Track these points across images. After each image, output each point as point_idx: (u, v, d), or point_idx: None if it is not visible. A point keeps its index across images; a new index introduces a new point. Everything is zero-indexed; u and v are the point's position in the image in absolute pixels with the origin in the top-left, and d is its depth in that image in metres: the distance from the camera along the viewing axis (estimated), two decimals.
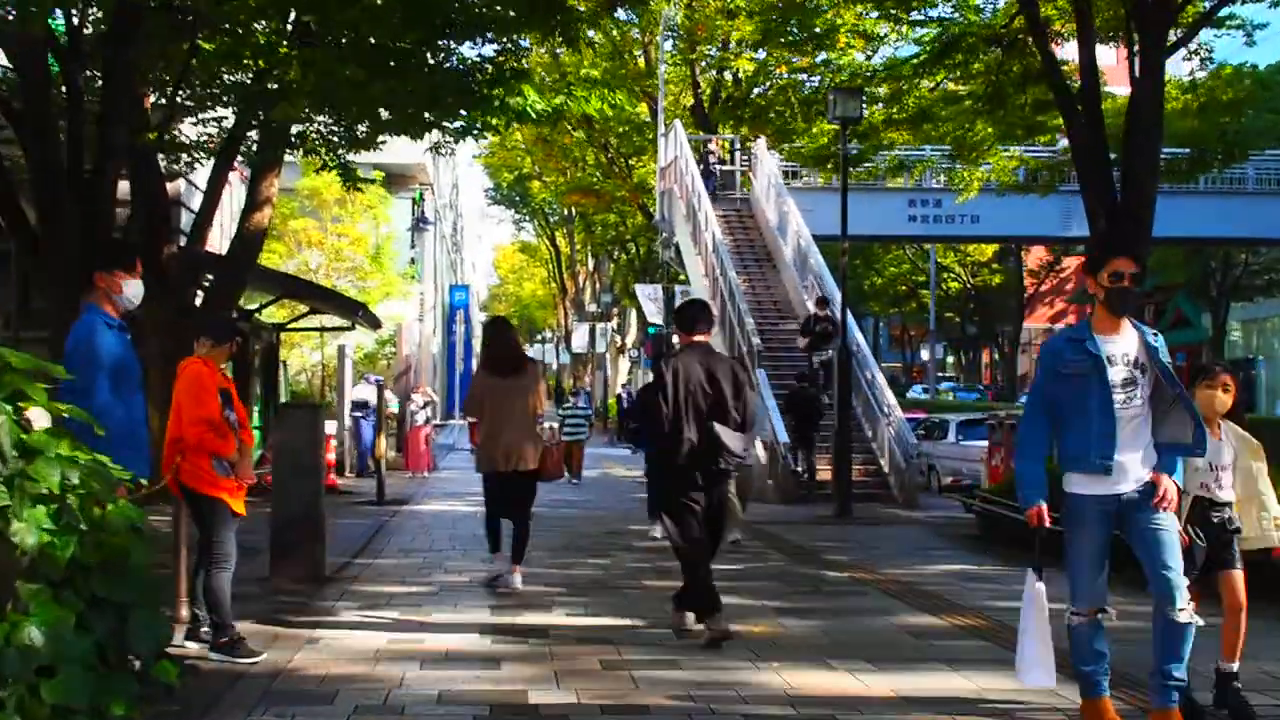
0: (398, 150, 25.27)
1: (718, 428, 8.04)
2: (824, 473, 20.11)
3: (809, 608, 9.46)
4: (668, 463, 8.26)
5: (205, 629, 7.43)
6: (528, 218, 70.19)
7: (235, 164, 17.76)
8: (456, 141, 15.79)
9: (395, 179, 36.24)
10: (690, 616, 8.29)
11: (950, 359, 78.50)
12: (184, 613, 7.84)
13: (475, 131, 14.82)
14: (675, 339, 8.97)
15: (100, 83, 13.76)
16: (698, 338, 8.49)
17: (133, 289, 6.40)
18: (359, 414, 24.89)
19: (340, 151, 17.01)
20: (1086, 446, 5.70)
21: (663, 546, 13.20)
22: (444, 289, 57.83)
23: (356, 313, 23.55)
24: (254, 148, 16.87)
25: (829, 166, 24.99)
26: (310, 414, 10.85)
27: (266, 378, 23.41)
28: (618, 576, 11.15)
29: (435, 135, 16.39)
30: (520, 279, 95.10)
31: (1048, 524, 5.75)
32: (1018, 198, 29.37)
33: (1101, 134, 14.90)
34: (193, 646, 7.47)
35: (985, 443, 21.41)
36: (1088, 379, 5.72)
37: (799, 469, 20.09)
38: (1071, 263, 63.07)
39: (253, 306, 22.19)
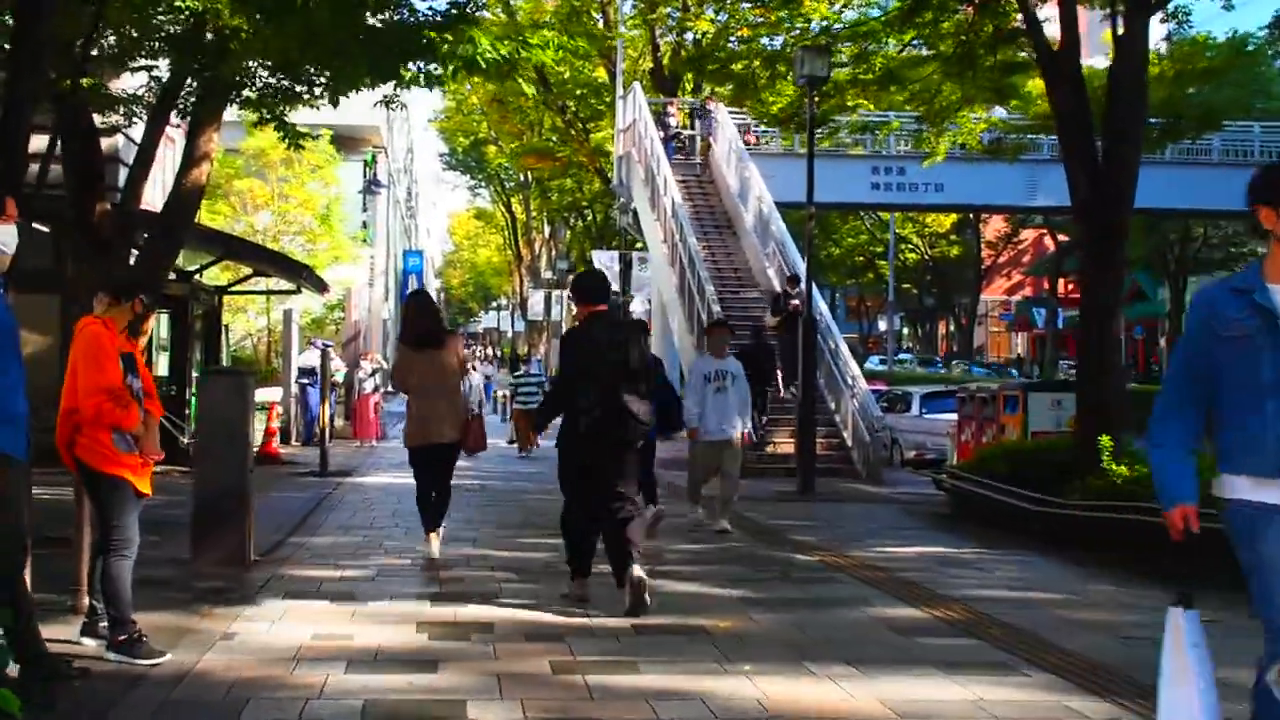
0: (349, 111, 24.29)
1: (624, 396, 8.04)
2: (784, 446, 19.45)
3: (778, 598, 8.66)
4: (574, 433, 8.19)
5: (104, 623, 6.57)
6: (483, 184, 69.43)
7: (174, 118, 16.82)
8: (408, 86, 14.87)
9: (347, 141, 35.20)
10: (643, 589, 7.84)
11: (906, 330, 78.16)
12: (83, 603, 6.99)
13: (430, 74, 13.84)
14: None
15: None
16: (598, 308, 8.47)
17: (2, 235, 5.53)
18: (305, 381, 24.03)
19: (280, 108, 16.05)
20: (1259, 438, 4.09)
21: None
22: (397, 255, 56.76)
23: (301, 275, 22.61)
24: (191, 100, 15.92)
25: (791, 127, 24.10)
26: (237, 380, 9.97)
27: (208, 343, 22.46)
28: None
29: (385, 89, 15.48)
30: (475, 246, 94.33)
31: (1195, 529, 4.22)
32: (982, 166, 28.69)
33: (1084, 96, 14.12)
34: (89, 643, 6.60)
35: (949, 416, 20.84)
36: (1255, 344, 4.11)
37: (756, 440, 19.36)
38: (1029, 235, 62.79)
39: (193, 268, 21.20)
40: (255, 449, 18.97)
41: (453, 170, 69.76)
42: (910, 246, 61.02)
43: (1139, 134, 13.95)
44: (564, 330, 8.88)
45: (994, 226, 60.25)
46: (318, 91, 15.16)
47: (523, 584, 8.98)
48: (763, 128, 31.74)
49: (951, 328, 71.18)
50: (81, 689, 5.80)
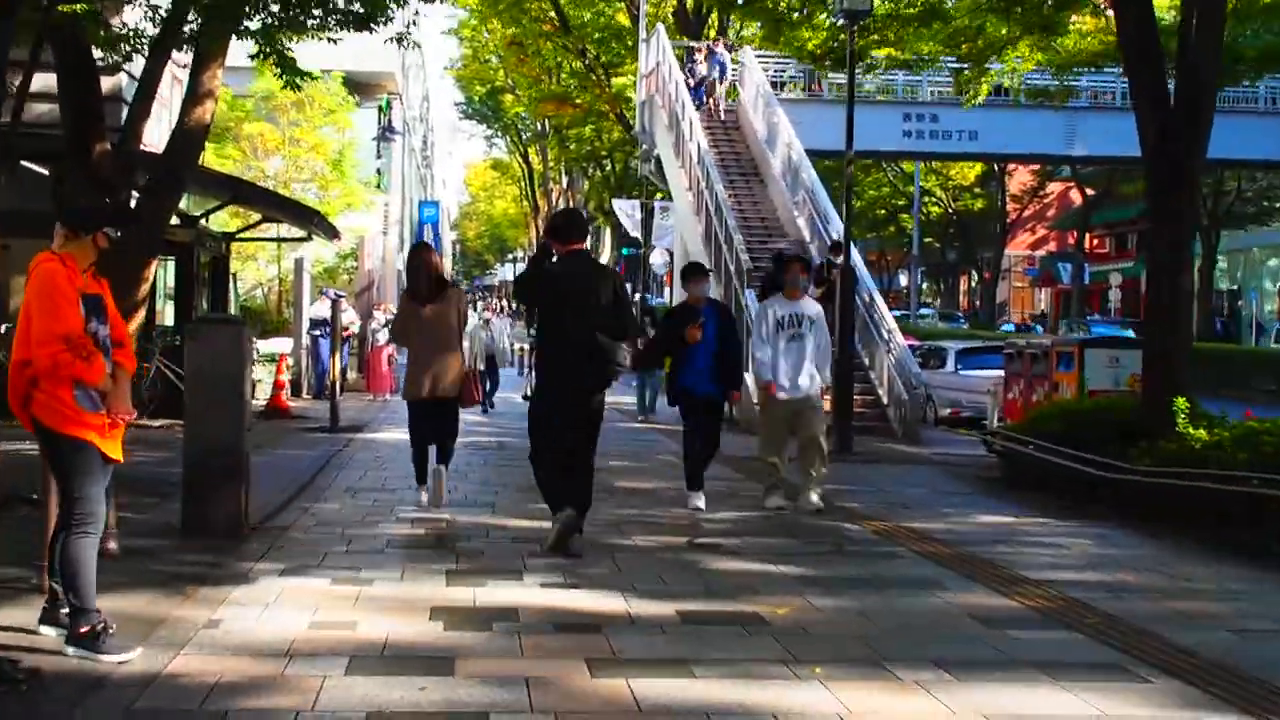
0: (363, 55, 23.29)
1: (600, 336, 8.07)
2: None
3: (837, 577, 7.67)
4: (548, 370, 8.30)
5: (65, 610, 5.62)
6: (500, 133, 68.41)
7: (178, 56, 15.85)
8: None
9: (361, 87, 34.13)
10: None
11: (926, 285, 76.94)
12: (45, 583, 6.01)
13: None
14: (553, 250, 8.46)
15: None
16: (575, 246, 8.37)
17: None
18: (317, 332, 23.15)
19: (283, 40, 15.00)
20: None
21: (647, 489, 11.55)
22: (412, 204, 55.70)
23: (312, 221, 21.64)
24: (194, 29, 14.94)
25: (827, 65, 22.93)
26: (232, 330, 8.99)
27: (215, 291, 21.52)
28: (600, 530, 9.00)
29: (398, 25, 14.48)
30: (491, 197, 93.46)
31: None
32: (1020, 113, 27.55)
33: (1153, 27, 13.02)
34: (49, 633, 5.66)
35: (986, 373, 19.89)
36: None
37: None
38: (1055, 188, 61.39)
39: (199, 212, 20.27)
40: (262, 403, 18.21)
41: (469, 119, 68.81)
42: (933, 200, 59.73)
43: (1215, 68, 12.82)
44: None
45: (1019, 179, 58.87)
46: (332, 22, 14.15)
47: (549, 559, 7.98)
48: (788, 73, 30.65)
49: (973, 283, 69.95)
50: (29, 694, 4.88)
